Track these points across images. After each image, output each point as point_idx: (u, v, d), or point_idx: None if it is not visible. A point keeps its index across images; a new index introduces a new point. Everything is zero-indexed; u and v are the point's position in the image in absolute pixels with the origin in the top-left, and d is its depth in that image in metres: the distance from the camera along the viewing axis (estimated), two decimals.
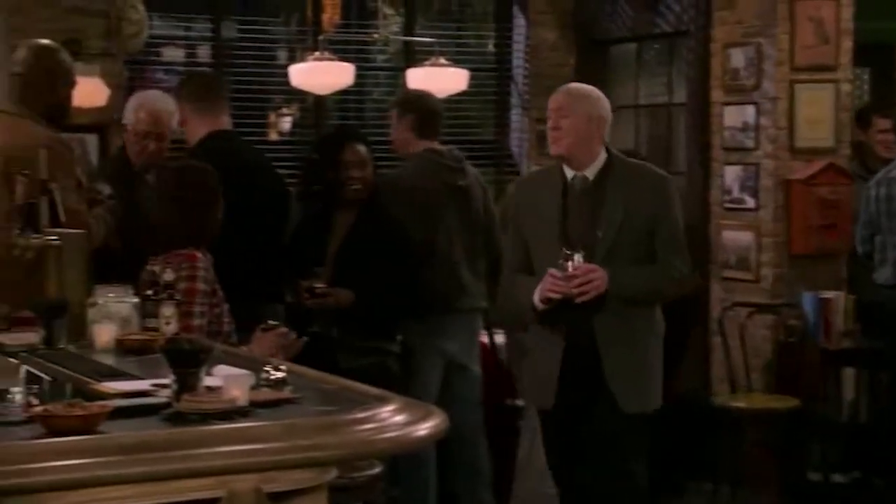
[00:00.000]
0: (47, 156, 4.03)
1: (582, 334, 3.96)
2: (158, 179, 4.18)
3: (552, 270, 3.90)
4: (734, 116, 6.40)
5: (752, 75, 6.31)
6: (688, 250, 4.14)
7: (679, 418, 6.03)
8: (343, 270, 4.78)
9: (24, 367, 3.50)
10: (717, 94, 6.52)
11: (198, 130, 4.81)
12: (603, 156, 4.04)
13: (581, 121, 3.99)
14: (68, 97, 4.52)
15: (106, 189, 4.66)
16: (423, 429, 2.61)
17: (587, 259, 3.91)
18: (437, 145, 5.25)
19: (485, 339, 5.58)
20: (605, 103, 4.09)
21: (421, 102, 5.31)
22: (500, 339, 5.63)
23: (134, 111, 4.93)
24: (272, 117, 7.58)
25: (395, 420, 2.57)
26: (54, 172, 3.92)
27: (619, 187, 4.00)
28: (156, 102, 4.94)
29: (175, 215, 3.93)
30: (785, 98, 6.23)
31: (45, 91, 4.40)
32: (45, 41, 4.64)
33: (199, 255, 3.86)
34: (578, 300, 3.87)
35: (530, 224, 4.09)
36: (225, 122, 4.90)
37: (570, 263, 3.89)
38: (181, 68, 7.19)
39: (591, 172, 4.03)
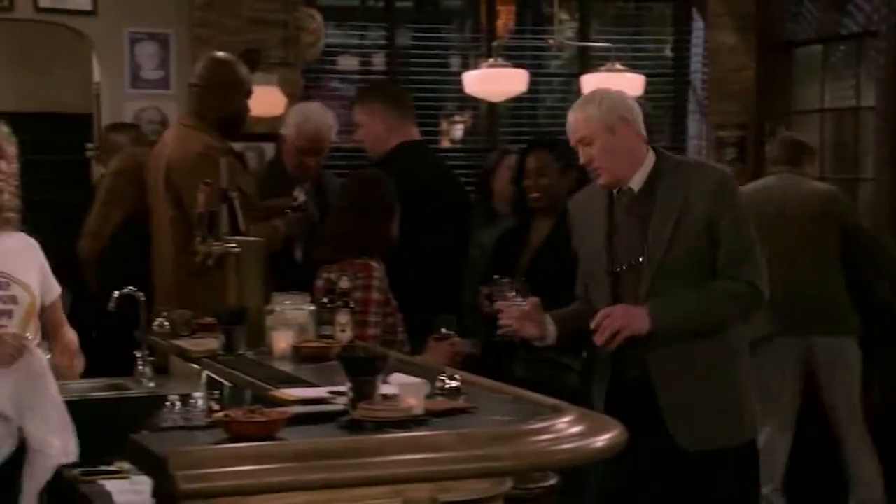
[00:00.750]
0: (201, 164, 4.13)
1: (633, 367, 3.40)
2: (340, 189, 4.24)
3: (498, 304, 3.45)
4: None
5: None
6: (762, 259, 3.41)
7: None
8: (531, 280, 4.71)
9: (205, 373, 3.59)
10: None
11: (387, 141, 4.75)
12: (650, 159, 3.41)
13: (605, 137, 3.35)
14: (243, 108, 4.60)
15: (301, 196, 4.70)
16: (601, 441, 2.56)
17: (630, 284, 3.36)
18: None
19: None
20: (622, 99, 3.43)
21: None
22: None
23: (295, 125, 4.92)
24: (444, 124, 7.60)
25: (571, 431, 2.53)
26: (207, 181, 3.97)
27: (670, 194, 3.37)
28: (316, 118, 4.92)
29: (349, 225, 3.96)
30: None
31: (219, 102, 4.49)
32: (221, 54, 4.74)
33: (374, 264, 3.88)
34: (605, 345, 3.30)
35: (582, 248, 3.58)
36: (415, 132, 4.86)
37: (508, 294, 3.43)
38: (356, 77, 7.26)
39: (637, 183, 3.40)
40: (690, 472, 3.37)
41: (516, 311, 3.42)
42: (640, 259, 3.35)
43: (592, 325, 3.29)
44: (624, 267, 3.38)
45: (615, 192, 3.43)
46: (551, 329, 3.45)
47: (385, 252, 3.97)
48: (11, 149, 2.97)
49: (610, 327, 3.27)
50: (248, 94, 4.63)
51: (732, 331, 3.42)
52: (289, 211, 4.61)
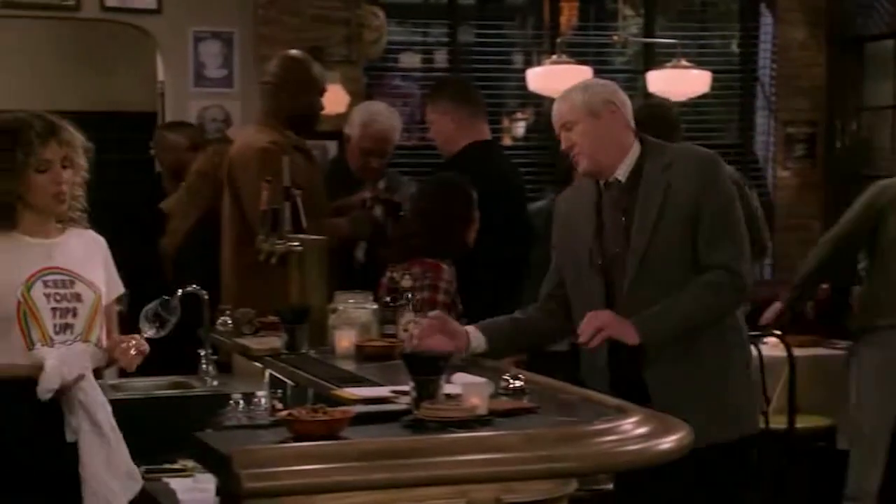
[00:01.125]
0: (260, 160, 4.14)
1: (630, 370, 3.25)
2: (418, 190, 4.23)
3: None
4: None
5: None
6: (746, 244, 3.29)
7: None
8: None
9: (268, 372, 3.60)
10: None
11: (457, 140, 4.67)
12: (636, 148, 3.30)
13: (587, 122, 3.26)
14: (316, 106, 4.59)
15: (367, 193, 4.66)
16: (667, 442, 2.53)
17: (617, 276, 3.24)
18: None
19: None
20: (607, 87, 3.34)
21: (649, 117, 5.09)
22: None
23: (360, 126, 4.86)
24: (506, 122, 7.56)
25: (637, 432, 2.50)
26: (263, 177, 3.96)
27: (653, 182, 3.24)
28: (382, 119, 4.87)
29: (419, 228, 3.94)
30: None
31: (291, 100, 4.49)
32: (294, 51, 4.75)
33: (444, 266, 3.85)
34: (588, 346, 3.20)
35: (565, 245, 3.43)
36: (486, 131, 4.78)
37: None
38: (418, 74, 7.25)
39: (622, 172, 3.28)
40: (688, 468, 3.06)
41: (415, 327, 3.32)
42: (619, 249, 3.24)
43: (580, 328, 3.20)
44: (602, 260, 3.27)
45: (602, 184, 3.32)
46: (479, 339, 3.32)
47: (455, 256, 3.94)
48: (82, 161, 2.99)
49: (591, 327, 3.18)
50: (322, 91, 4.62)
51: (729, 326, 3.31)
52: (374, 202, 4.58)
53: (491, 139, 4.90)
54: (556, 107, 3.34)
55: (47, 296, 2.88)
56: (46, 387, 2.80)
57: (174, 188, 5.34)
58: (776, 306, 5.27)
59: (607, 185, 3.31)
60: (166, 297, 3.04)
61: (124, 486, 2.87)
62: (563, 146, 3.31)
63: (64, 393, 2.82)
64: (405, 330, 3.52)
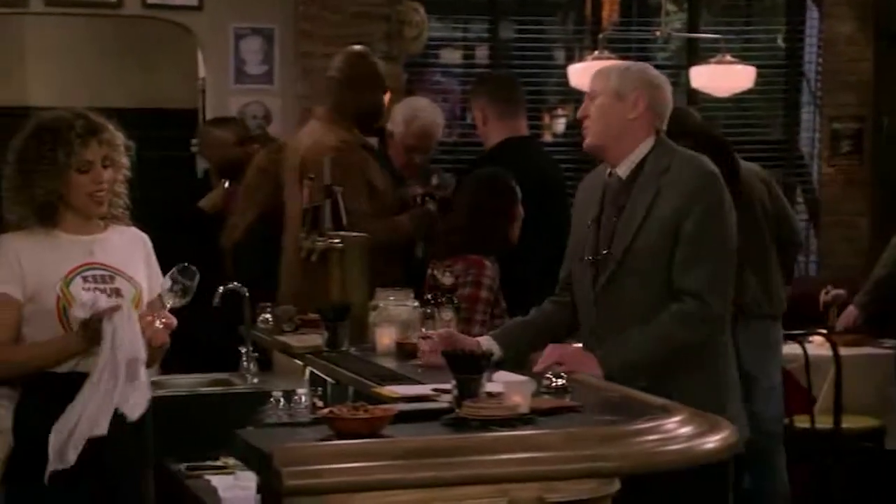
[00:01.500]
0: (331, 160, 4.12)
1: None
2: (460, 186, 4.22)
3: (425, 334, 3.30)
4: None
5: None
6: (720, 266, 3.11)
7: None
8: None
9: (308, 369, 3.59)
10: None
11: (496, 134, 4.69)
12: (647, 146, 3.16)
13: (609, 100, 3.14)
14: (379, 103, 4.59)
15: (423, 188, 4.64)
16: (711, 441, 2.51)
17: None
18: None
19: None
20: (655, 79, 3.20)
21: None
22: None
23: (404, 123, 4.86)
24: (546, 118, 7.53)
25: (681, 432, 2.48)
26: (339, 176, 3.97)
27: (646, 185, 3.12)
28: (425, 116, 4.87)
29: (462, 223, 3.92)
30: None
31: (356, 97, 4.48)
32: (359, 48, 4.74)
33: (487, 262, 3.83)
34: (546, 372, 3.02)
35: (573, 234, 3.34)
36: (523, 127, 4.79)
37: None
38: (459, 70, 7.23)
39: (625, 169, 3.16)
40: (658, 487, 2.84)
41: (426, 344, 3.27)
42: (608, 247, 3.14)
43: (540, 358, 3.11)
44: (593, 255, 3.18)
45: (608, 175, 3.23)
46: (492, 347, 3.17)
47: (500, 252, 3.92)
48: (123, 160, 3.01)
49: (551, 360, 3.07)
50: (386, 89, 4.62)
51: (708, 344, 3.14)
52: (427, 198, 4.57)
53: (528, 135, 4.89)
54: (592, 76, 3.26)
55: (87, 290, 2.90)
56: (80, 302, 2.83)
57: (218, 184, 5.35)
58: (850, 310, 5.23)
59: (610, 177, 3.22)
60: (184, 264, 2.99)
61: (79, 433, 2.82)
62: (579, 114, 3.24)
63: (99, 317, 2.81)
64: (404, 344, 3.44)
